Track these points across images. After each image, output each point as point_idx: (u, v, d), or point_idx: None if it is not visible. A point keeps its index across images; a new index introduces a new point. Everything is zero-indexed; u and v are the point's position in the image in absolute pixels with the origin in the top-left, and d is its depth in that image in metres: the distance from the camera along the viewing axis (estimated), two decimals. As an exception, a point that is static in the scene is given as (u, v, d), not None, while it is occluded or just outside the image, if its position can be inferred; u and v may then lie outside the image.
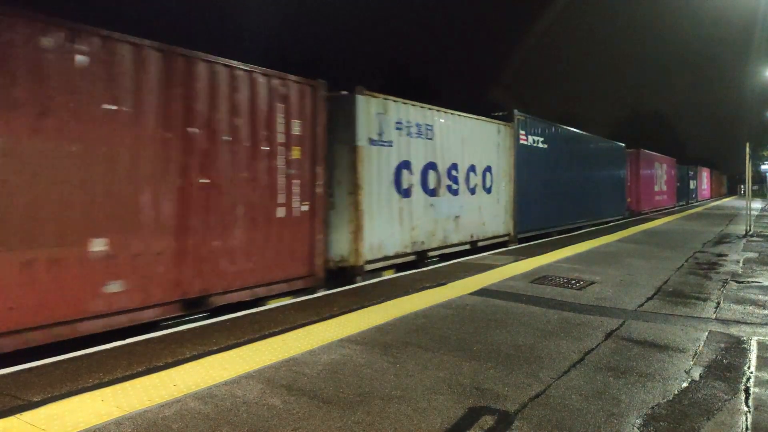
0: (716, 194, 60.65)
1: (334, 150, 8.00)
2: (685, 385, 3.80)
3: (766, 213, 26.85)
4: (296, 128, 7.09)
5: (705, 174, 51.89)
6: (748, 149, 15.83)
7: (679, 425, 3.17)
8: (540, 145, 14.27)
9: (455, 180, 10.63)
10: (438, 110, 10.12)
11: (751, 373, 4.03)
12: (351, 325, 5.22)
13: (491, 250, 11.37)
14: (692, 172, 42.39)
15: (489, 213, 11.88)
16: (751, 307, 6.12)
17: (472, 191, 11.21)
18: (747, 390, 3.70)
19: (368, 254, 8.25)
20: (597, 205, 18.65)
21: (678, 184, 34.99)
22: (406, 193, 9.22)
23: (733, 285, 7.47)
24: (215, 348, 4.49)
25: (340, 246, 8.12)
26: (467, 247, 11.00)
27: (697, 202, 43.09)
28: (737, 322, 5.50)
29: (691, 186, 42.00)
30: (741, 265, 9.33)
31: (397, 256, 8.98)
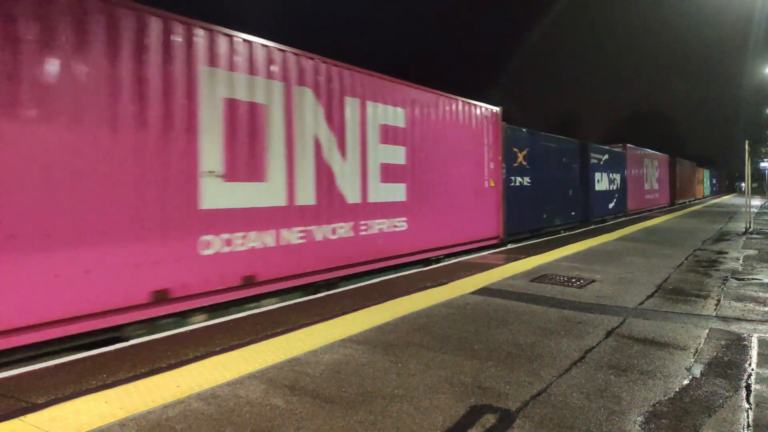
0: (686, 195, 38.76)
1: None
2: (686, 382, 3.81)
3: (765, 210, 26.86)
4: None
5: (652, 162, 28.90)
6: (746, 146, 15.86)
7: (681, 422, 3.18)
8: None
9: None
10: None
11: (752, 369, 4.05)
12: (353, 324, 5.24)
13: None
14: (605, 157, 20.67)
15: None
16: (751, 304, 6.13)
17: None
18: (748, 387, 3.72)
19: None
20: None
21: (521, 180, 14.48)
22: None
23: (734, 282, 7.48)
24: (218, 349, 4.51)
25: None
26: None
27: (621, 217, 22.14)
28: (738, 319, 5.51)
29: (601, 185, 20.24)
30: (741, 262, 9.35)
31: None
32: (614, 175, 22.12)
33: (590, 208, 18.95)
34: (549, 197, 15.39)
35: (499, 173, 12.38)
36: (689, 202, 38.91)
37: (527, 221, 14.02)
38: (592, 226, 17.70)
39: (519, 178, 13.61)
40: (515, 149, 13.40)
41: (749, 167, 16.42)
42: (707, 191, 54.51)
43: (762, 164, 52.54)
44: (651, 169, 28.76)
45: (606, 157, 20.92)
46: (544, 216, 15.19)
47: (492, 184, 12.03)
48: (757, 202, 36.53)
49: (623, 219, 21.33)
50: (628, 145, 24.49)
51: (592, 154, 19.38)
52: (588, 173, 18.89)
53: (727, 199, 47.53)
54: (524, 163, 13.83)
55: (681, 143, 78.57)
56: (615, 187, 22.17)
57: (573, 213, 17.40)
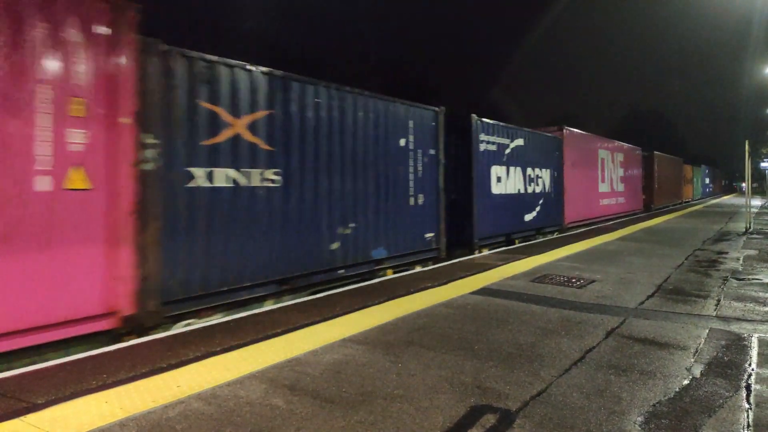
0: (669, 198, 31.49)
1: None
2: (686, 382, 3.81)
3: (766, 210, 26.87)
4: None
5: (615, 156, 21.46)
6: (747, 146, 15.86)
7: (681, 422, 3.18)
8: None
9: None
10: None
11: (752, 369, 4.05)
12: (353, 325, 5.24)
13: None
14: (515, 143, 13.40)
15: None
16: (751, 304, 6.13)
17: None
18: (748, 387, 3.72)
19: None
20: None
21: (238, 177, 6.42)
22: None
23: (734, 282, 7.48)
24: (218, 349, 4.51)
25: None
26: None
27: (553, 232, 15.54)
28: (738, 319, 5.51)
29: (505, 187, 12.97)
30: (741, 262, 9.35)
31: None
32: (538, 170, 14.69)
33: (477, 225, 11.48)
34: (348, 210, 8.12)
35: (124, 155, 5.30)
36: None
37: (271, 260, 6.95)
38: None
39: (233, 173, 6.44)
40: (214, 107, 6.27)
41: (749, 167, 16.42)
42: (698, 193, 45.97)
43: (762, 164, 52.51)
44: (612, 165, 21.23)
45: (518, 142, 13.53)
46: (333, 248, 7.82)
47: (82, 186, 4.98)
48: (757, 202, 36.53)
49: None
50: (568, 128, 16.78)
51: (484, 137, 11.97)
52: (474, 167, 11.48)
53: (726, 199, 47.50)
54: (254, 139, 6.71)
55: (681, 143, 78.56)
56: (540, 189, 14.76)
57: (429, 235, 9.93)
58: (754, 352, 4.44)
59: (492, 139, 12.41)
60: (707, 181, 53.09)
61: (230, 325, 5.28)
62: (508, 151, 13.12)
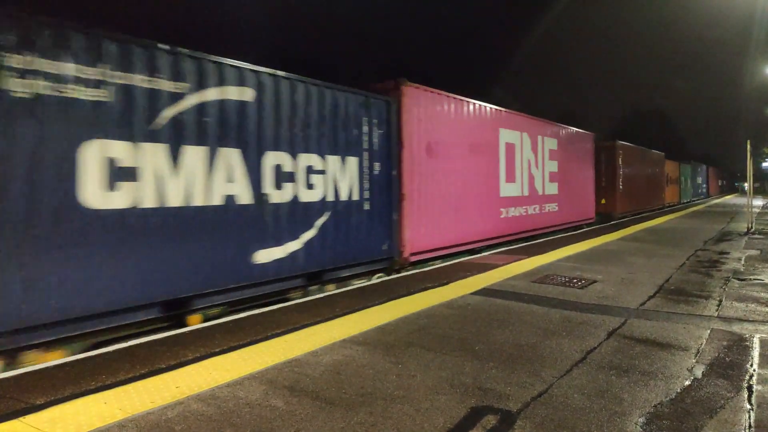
0: (643, 203, 24.82)
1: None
2: (687, 383, 3.79)
3: (767, 210, 26.81)
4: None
5: (538, 141, 14.19)
6: (748, 146, 15.83)
7: (682, 423, 3.17)
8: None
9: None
10: None
11: (754, 370, 4.03)
12: (353, 325, 5.23)
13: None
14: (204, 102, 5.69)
15: None
16: (753, 305, 6.11)
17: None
18: (750, 387, 3.70)
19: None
20: None
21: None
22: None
23: (735, 283, 7.45)
24: (218, 350, 4.50)
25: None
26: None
27: (365, 276, 8.32)
28: (739, 319, 5.49)
29: (162, 194, 5.34)
30: (743, 262, 9.32)
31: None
32: (316, 158, 7.53)
33: None
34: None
35: None
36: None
37: None
38: None
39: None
40: None
41: (751, 167, 16.39)
42: (688, 195, 37.92)
43: (764, 164, 52.41)
44: (532, 155, 14.19)
45: (227, 93, 6.25)
46: None
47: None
48: (759, 202, 36.48)
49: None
50: (414, 85, 9.56)
51: (23, 58, 4.40)
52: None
53: (728, 199, 47.44)
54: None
55: (682, 143, 78.49)
56: (320, 195, 7.58)
57: None
58: (755, 353, 4.42)
59: (89, 72, 4.97)
60: (700, 180, 44.56)
61: (230, 326, 5.28)
62: (178, 110, 5.78)
